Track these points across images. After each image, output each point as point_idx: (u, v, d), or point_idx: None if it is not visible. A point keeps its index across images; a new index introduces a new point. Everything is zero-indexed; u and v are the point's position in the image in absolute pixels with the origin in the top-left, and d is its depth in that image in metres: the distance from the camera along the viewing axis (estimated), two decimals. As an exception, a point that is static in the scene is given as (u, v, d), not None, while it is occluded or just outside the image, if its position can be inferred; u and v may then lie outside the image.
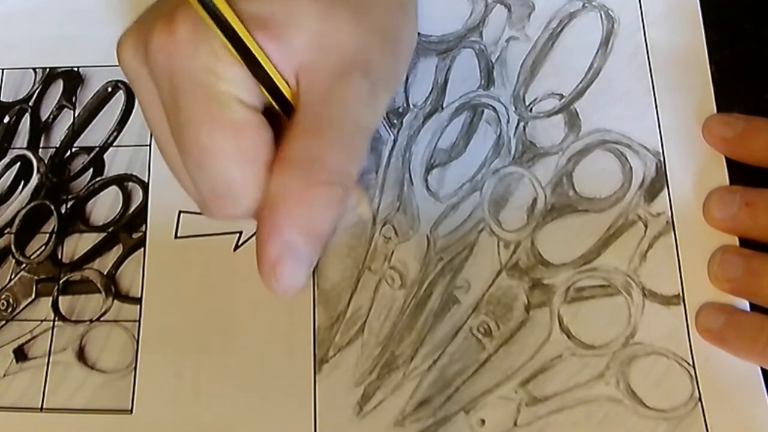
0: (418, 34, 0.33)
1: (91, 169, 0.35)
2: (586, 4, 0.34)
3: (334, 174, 0.24)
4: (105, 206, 0.34)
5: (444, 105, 0.34)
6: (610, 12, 0.34)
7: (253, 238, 0.32)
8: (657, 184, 0.32)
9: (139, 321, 0.32)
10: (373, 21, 0.26)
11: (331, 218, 0.25)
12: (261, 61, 0.24)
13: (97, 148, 0.35)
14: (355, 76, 0.25)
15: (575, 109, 0.33)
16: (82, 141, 0.35)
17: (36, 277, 0.33)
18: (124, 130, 0.35)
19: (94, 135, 0.35)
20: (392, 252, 0.32)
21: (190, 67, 0.24)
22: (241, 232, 0.33)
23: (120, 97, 0.36)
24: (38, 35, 0.37)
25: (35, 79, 0.36)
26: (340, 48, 0.25)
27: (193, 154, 0.25)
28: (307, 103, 0.25)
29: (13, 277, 0.33)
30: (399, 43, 0.28)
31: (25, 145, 0.35)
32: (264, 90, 0.25)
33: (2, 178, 0.35)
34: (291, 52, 0.25)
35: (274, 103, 0.25)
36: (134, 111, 0.35)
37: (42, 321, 0.33)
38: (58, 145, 0.35)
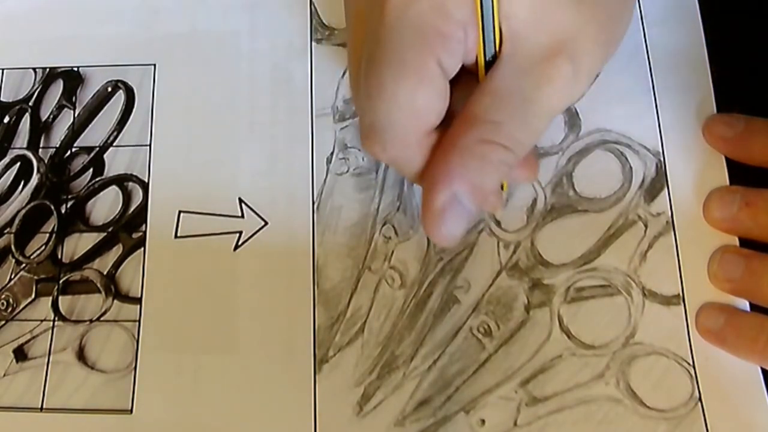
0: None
1: (91, 169, 0.35)
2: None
3: (510, 139, 0.26)
4: (105, 206, 0.34)
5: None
6: (610, 12, 0.34)
7: (253, 238, 0.33)
8: (657, 184, 0.32)
9: (139, 321, 0.32)
10: (593, 8, 0.26)
11: (497, 179, 0.26)
12: (494, 10, 0.25)
13: (97, 148, 0.35)
14: (561, 60, 0.25)
15: (575, 109, 0.33)
16: (82, 141, 0.35)
17: (36, 277, 0.33)
18: (124, 130, 0.35)
19: (94, 135, 0.35)
20: (392, 252, 0.32)
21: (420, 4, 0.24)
22: (240, 232, 0.33)
23: (120, 96, 0.36)
24: (38, 35, 0.37)
25: (35, 79, 0.36)
26: (554, 28, 0.25)
27: (369, 84, 0.25)
28: (505, 71, 0.26)
29: (13, 277, 0.33)
30: (612, 35, 0.27)
31: (25, 145, 0.35)
32: (481, 37, 0.25)
33: (2, 178, 0.35)
34: (509, 18, 0.25)
35: (480, 54, 0.26)
36: (134, 111, 0.35)
37: (42, 321, 0.33)
38: (58, 145, 0.35)
